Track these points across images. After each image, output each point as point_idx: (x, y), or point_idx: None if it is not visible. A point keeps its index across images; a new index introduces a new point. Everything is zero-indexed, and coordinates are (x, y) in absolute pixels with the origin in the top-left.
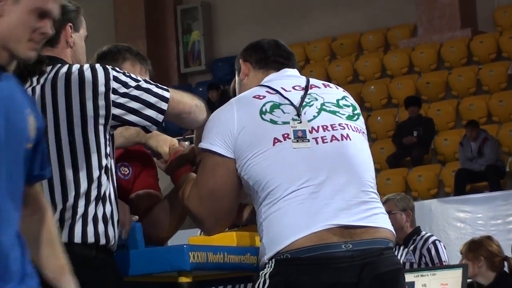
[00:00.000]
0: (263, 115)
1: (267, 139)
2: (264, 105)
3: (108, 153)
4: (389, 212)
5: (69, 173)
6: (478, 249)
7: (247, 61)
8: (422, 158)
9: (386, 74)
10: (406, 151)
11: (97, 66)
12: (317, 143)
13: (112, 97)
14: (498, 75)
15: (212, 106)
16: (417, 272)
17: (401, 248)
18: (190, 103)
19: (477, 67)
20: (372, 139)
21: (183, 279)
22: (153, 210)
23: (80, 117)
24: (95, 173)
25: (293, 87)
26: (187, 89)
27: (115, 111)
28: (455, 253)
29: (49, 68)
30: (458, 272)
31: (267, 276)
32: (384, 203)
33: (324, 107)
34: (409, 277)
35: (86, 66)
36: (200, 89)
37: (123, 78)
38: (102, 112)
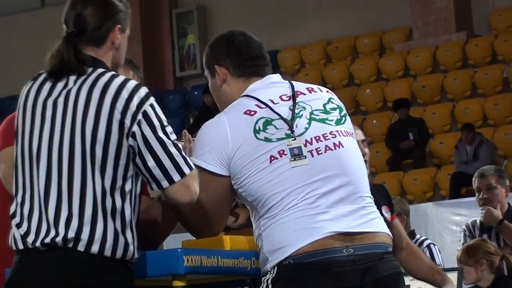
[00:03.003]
0: (257, 134)
1: (263, 157)
2: (256, 122)
3: (130, 169)
4: None
5: (90, 184)
6: (477, 253)
7: (222, 66)
8: (423, 159)
9: (382, 77)
10: (403, 153)
11: (141, 90)
12: (312, 156)
13: (135, 128)
14: (493, 78)
15: (207, 110)
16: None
17: None
18: (193, 197)
19: (472, 70)
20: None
21: (177, 283)
22: (145, 212)
23: (105, 131)
24: (118, 186)
25: (280, 97)
26: (182, 92)
27: (131, 141)
28: (451, 257)
29: (89, 70)
30: (453, 276)
31: (269, 281)
32: None
33: (313, 116)
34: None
35: (128, 88)
36: (196, 92)
37: (155, 120)
38: (126, 131)
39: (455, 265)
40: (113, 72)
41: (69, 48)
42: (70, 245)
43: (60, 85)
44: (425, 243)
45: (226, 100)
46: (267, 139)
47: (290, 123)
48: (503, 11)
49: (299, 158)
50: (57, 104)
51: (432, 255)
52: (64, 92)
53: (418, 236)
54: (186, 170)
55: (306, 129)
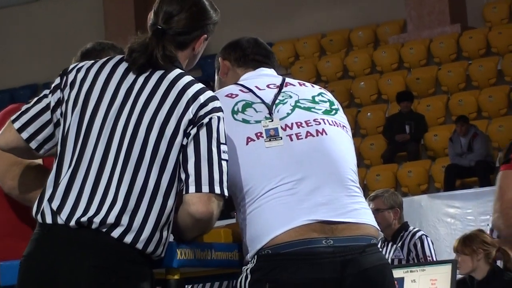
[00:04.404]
0: (235, 115)
1: (240, 138)
2: (236, 104)
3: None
4: (377, 210)
5: (142, 176)
6: (474, 242)
7: (226, 59)
8: (417, 152)
9: (376, 70)
10: (398, 146)
11: (217, 101)
12: (291, 140)
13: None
14: (488, 71)
15: None
16: (406, 268)
17: (390, 244)
18: (209, 215)
19: (466, 63)
20: (362, 135)
21: (171, 276)
22: None
23: (173, 130)
24: (174, 185)
25: (268, 86)
26: None
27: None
28: (445, 249)
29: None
30: (448, 268)
31: (248, 271)
32: (372, 200)
33: (298, 104)
34: (398, 273)
35: (206, 95)
36: None
37: (214, 131)
38: (188, 131)
39: (450, 257)
40: (192, 78)
41: (158, 44)
42: (104, 229)
43: (136, 72)
44: (418, 234)
45: None
46: (245, 121)
47: (270, 107)
48: (497, 3)
49: (274, 139)
50: (131, 91)
51: (423, 246)
52: (140, 80)
53: (411, 228)
54: (217, 189)
55: (288, 114)
